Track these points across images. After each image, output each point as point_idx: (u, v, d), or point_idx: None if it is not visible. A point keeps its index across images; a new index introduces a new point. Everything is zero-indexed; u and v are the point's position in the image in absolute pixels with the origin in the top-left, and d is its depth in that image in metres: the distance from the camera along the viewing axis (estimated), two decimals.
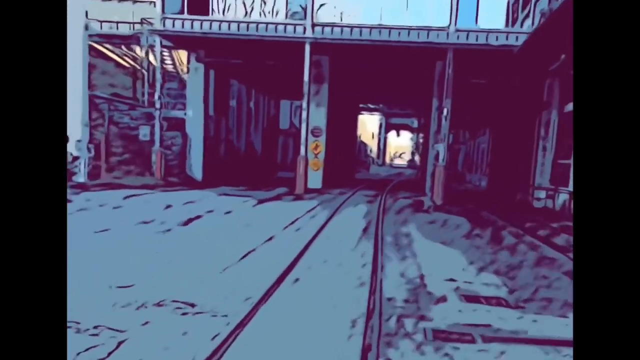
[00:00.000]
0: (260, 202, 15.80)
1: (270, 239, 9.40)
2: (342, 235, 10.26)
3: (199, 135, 22.17)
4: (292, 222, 11.68)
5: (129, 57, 25.81)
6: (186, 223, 10.66)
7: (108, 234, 9.12)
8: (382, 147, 71.71)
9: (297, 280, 6.59)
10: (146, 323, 4.80)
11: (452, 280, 7.17)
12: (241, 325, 4.78)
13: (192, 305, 5.37)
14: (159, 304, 5.36)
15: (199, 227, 10.31)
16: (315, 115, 21.31)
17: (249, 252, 8.08)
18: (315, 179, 21.59)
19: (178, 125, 23.14)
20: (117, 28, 22.46)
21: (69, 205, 12.21)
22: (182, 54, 25.26)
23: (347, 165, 34.25)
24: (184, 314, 5.12)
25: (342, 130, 28.84)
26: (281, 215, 12.71)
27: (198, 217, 11.69)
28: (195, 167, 22.31)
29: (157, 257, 7.50)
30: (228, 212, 12.72)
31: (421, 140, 46.34)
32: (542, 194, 20.73)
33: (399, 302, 5.97)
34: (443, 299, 6.26)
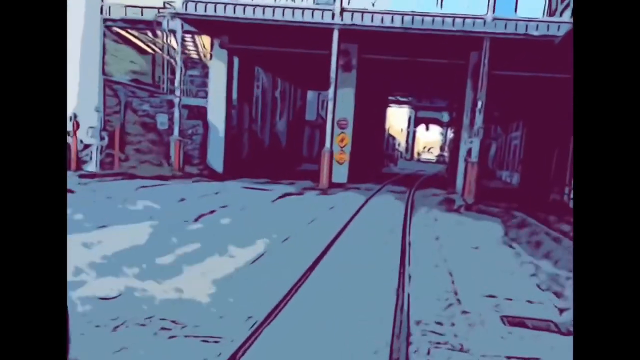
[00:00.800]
0: (280, 197, 14.92)
1: (285, 240, 8.52)
2: (365, 239, 9.32)
3: (221, 125, 21.35)
4: (311, 222, 10.79)
5: (151, 43, 25.04)
6: (196, 220, 9.81)
7: (104, 231, 8.31)
8: (410, 141, 70.27)
9: (308, 296, 5.68)
10: (120, 350, 3.93)
11: (491, 296, 6.20)
12: (235, 356, 3.89)
13: (182, 326, 4.49)
14: (142, 323, 4.49)
15: (208, 225, 9.44)
16: (342, 106, 20.33)
17: (258, 258, 7.20)
18: (340, 173, 20.66)
19: (200, 113, 22.42)
20: (142, 14, 21.68)
21: (70, 196, 11.45)
22: (206, 40, 24.42)
23: (375, 159, 33.18)
24: (170, 337, 4.25)
25: (369, 122, 27.76)
26: (300, 213, 11.82)
27: (211, 212, 10.85)
28: (216, 157, 21.51)
29: (154, 261, 6.65)
30: (243, 209, 11.86)
31: (451, 135, 45.15)
32: None
33: (429, 325, 5.03)
34: (481, 321, 5.31)
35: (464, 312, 5.56)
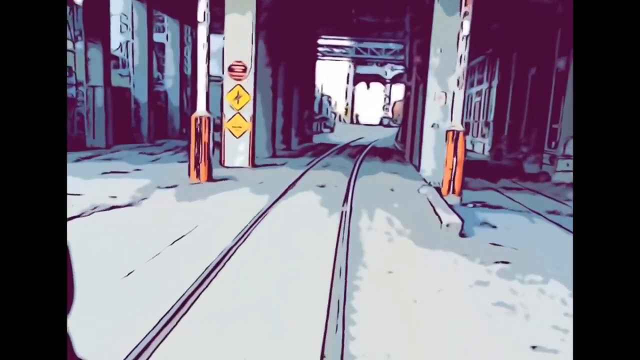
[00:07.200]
0: (81, 215, 7.02)
1: None
2: None
3: None
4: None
5: None
6: None
7: None
8: (349, 101, 63.58)
9: None
10: None
11: None
12: None
13: None
14: None
15: None
16: (235, 39, 12.51)
17: None
18: (237, 152, 12.89)
19: None
20: None
21: None
22: None
23: (300, 125, 25.05)
24: None
25: (288, 73, 19.59)
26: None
27: None
28: None
29: None
30: None
31: (404, 91, 38.04)
32: None
33: None
34: None
35: None
